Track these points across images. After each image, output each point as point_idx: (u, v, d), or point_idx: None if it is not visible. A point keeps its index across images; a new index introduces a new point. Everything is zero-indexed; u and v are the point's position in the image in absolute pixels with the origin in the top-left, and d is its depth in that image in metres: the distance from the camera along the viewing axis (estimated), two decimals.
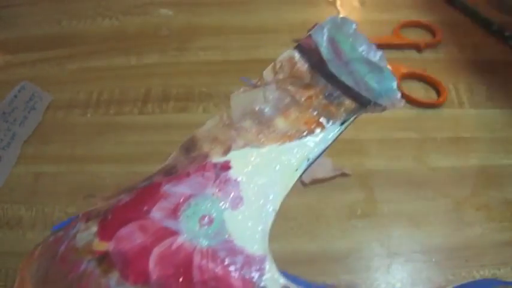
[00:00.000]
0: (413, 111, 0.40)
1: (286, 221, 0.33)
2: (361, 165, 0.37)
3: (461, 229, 0.33)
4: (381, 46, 0.44)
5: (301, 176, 0.19)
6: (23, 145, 0.40)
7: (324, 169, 0.36)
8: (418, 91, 0.41)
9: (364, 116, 0.40)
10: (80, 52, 0.46)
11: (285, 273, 0.18)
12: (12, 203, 0.37)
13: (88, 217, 0.18)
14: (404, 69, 0.42)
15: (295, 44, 0.21)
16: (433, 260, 0.32)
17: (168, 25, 0.48)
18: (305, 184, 0.35)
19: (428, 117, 0.40)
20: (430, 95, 0.41)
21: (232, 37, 0.46)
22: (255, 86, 0.21)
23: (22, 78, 0.44)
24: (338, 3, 0.49)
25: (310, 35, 0.21)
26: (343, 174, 0.36)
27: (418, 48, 0.44)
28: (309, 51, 0.21)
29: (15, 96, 0.42)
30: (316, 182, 0.35)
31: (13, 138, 0.39)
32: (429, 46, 0.44)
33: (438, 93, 0.41)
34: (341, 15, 0.48)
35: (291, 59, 0.21)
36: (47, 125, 0.41)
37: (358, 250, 0.33)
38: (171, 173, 0.19)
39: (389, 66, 0.21)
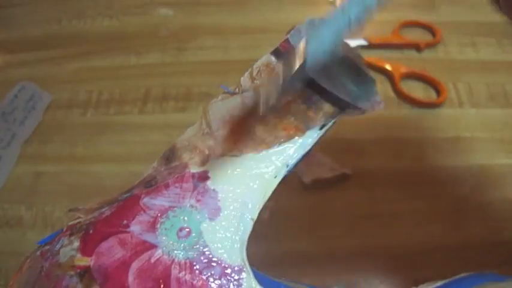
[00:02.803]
0: (413, 111, 0.40)
1: (286, 221, 0.33)
2: (361, 165, 0.37)
3: (461, 229, 0.33)
4: (380, 46, 0.45)
5: (279, 183, 0.19)
6: (23, 145, 0.40)
7: (324, 169, 0.36)
8: (418, 91, 0.41)
9: (364, 115, 0.40)
10: (80, 52, 0.46)
11: (264, 279, 0.18)
12: (12, 203, 0.37)
13: (71, 231, 0.18)
14: (404, 69, 0.42)
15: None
16: (433, 260, 0.32)
17: (168, 25, 0.48)
18: (305, 184, 0.35)
19: (428, 117, 0.40)
20: (430, 95, 0.41)
21: (232, 37, 0.46)
22: (233, 93, 0.20)
23: (22, 78, 0.44)
24: (338, 3, 0.49)
25: (287, 39, 0.21)
26: (343, 174, 0.36)
27: (418, 48, 0.44)
28: (285, 55, 0.20)
29: (15, 96, 0.42)
30: (316, 182, 0.35)
31: (13, 138, 0.39)
32: (429, 46, 0.44)
33: (438, 93, 0.41)
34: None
35: (268, 64, 0.20)
36: (47, 125, 0.41)
37: (358, 250, 0.33)
38: (151, 185, 0.18)
39: (368, 70, 0.21)
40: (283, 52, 0.20)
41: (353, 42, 0.44)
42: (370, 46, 0.44)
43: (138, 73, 0.44)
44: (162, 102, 0.42)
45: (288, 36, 0.21)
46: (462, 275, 0.27)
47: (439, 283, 0.27)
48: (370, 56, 0.43)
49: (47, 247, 0.18)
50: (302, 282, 0.22)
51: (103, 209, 0.18)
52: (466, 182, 0.36)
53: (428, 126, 0.39)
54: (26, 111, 0.41)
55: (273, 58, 0.20)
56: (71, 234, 0.18)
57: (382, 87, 0.41)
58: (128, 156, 0.38)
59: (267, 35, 0.46)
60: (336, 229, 0.34)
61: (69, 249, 0.17)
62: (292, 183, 0.35)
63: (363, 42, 0.44)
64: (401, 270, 0.32)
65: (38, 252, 0.19)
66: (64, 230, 0.18)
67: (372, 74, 0.43)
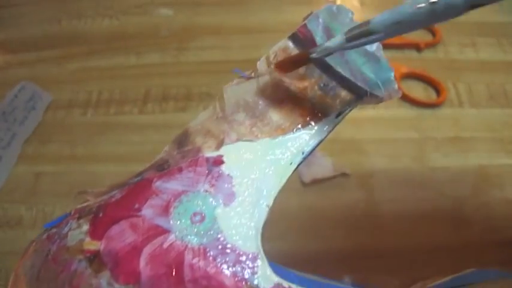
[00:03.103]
0: (413, 111, 0.40)
1: (286, 221, 0.33)
2: (361, 165, 0.37)
3: (461, 229, 0.33)
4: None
5: (296, 169, 0.19)
6: (23, 145, 0.40)
7: (324, 169, 0.36)
8: (418, 91, 0.41)
9: (364, 115, 0.40)
10: (80, 52, 0.46)
11: (277, 268, 0.18)
12: (12, 203, 0.37)
13: (80, 214, 0.18)
14: (404, 69, 0.42)
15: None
16: (433, 259, 0.32)
17: (168, 25, 0.48)
18: (305, 184, 0.35)
19: (428, 117, 0.40)
20: (429, 95, 0.41)
21: (232, 37, 0.46)
22: (249, 78, 0.20)
23: (22, 78, 0.44)
24: (338, 3, 0.49)
25: (305, 24, 0.20)
26: (343, 174, 0.36)
27: (418, 48, 0.44)
28: (303, 40, 0.20)
29: (15, 96, 0.42)
30: (316, 182, 0.35)
31: (13, 138, 0.39)
32: (429, 46, 0.44)
33: (438, 93, 0.41)
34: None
35: (285, 49, 0.20)
36: (47, 125, 0.41)
37: (358, 250, 0.33)
38: (163, 168, 0.18)
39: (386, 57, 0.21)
40: (301, 37, 0.20)
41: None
42: None
43: (138, 73, 0.44)
44: (162, 102, 0.42)
45: (306, 21, 0.20)
46: (465, 271, 0.27)
47: (445, 279, 0.26)
48: None
49: (54, 230, 0.18)
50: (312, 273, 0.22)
51: (113, 192, 0.18)
52: (466, 182, 0.36)
53: (428, 126, 0.39)
54: (26, 111, 0.41)
55: (290, 43, 0.20)
56: (79, 218, 0.17)
57: None
58: (128, 156, 0.38)
59: (267, 35, 0.46)
60: (336, 229, 0.34)
61: (78, 233, 0.17)
62: (292, 183, 0.35)
63: None
64: (402, 270, 0.32)
65: (45, 236, 0.18)
66: (72, 213, 0.18)
67: None
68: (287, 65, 0.19)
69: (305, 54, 0.18)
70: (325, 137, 0.19)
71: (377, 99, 0.19)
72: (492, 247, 0.32)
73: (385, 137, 0.38)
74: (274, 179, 0.18)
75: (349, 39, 0.16)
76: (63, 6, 0.51)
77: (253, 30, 0.47)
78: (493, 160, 0.37)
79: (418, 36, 0.45)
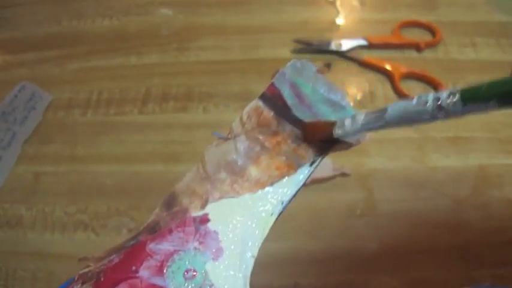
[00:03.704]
0: None
1: (286, 221, 0.33)
2: (361, 165, 0.37)
3: (461, 229, 0.33)
4: (380, 46, 0.45)
5: (276, 219, 0.21)
6: (23, 145, 0.40)
7: (324, 169, 0.36)
8: (418, 91, 0.41)
9: None
10: (80, 52, 0.46)
11: None
12: (12, 203, 0.37)
13: (83, 280, 0.19)
14: (404, 69, 0.42)
15: (260, 94, 0.23)
16: (433, 259, 0.32)
17: (168, 25, 0.48)
18: (305, 184, 0.35)
19: None
20: None
21: (232, 37, 0.46)
22: (227, 139, 0.22)
23: (22, 78, 0.44)
24: (338, 3, 0.49)
25: (272, 83, 0.23)
26: (343, 174, 0.36)
27: (417, 48, 0.44)
28: (273, 98, 0.22)
29: (15, 96, 0.42)
30: (316, 182, 0.35)
31: (13, 138, 0.39)
32: (429, 46, 0.44)
33: None
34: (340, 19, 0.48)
35: (257, 108, 0.22)
36: (47, 125, 0.41)
37: (357, 250, 0.33)
38: (155, 230, 0.20)
39: (351, 103, 0.23)
40: (270, 96, 0.22)
41: (353, 42, 0.44)
42: (370, 46, 0.44)
43: (138, 73, 0.44)
44: (162, 102, 0.42)
45: (273, 80, 0.23)
46: None
47: None
48: (370, 56, 0.43)
49: None
50: None
51: (111, 257, 0.19)
52: (466, 182, 0.36)
53: (428, 126, 0.39)
54: (26, 111, 0.41)
55: (261, 103, 0.22)
56: (83, 283, 0.19)
57: (382, 87, 0.41)
58: (128, 156, 0.39)
59: (267, 35, 0.46)
60: (336, 229, 0.34)
61: None
62: None
63: (362, 42, 0.44)
64: (401, 270, 0.32)
65: None
66: (76, 278, 0.19)
67: (372, 74, 0.43)
68: (316, 135, 0.21)
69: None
70: (303, 185, 0.21)
71: (346, 145, 0.22)
72: (492, 247, 0.33)
73: (385, 137, 0.38)
74: (258, 231, 0.20)
75: (364, 125, 0.19)
76: (64, 6, 0.51)
77: (253, 30, 0.47)
78: (493, 160, 0.37)
79: (418, 36, 0.46)
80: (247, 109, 0.22)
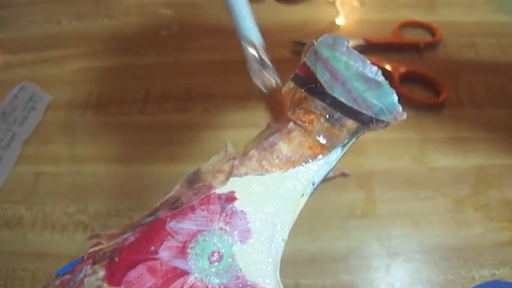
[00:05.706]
0: (413, 111, 0.40)
1: None
2: (360, 165, 0.37)
3: (461, 229, 0.33)
4: (380, 46, 0.45)
5: (307, 200, 0.19)
6: (23, 145, 0.40)
7: None
8: (418, 91, 0.41)
9: None
10: (80, 52, 0.46)
11: None
12: (12, 203, 0.37)
13: (94, 259, 0.18)
14: (404, 69, 0.42)
15: (292, 75, 0.22)
16: (432, 260, 0.32)
17: (168, 25, 0.48)
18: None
19: (428, 117, 0.40)
20: (430, 95, 0.41)
21: (233, 37, 0.46)
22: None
23: (22, 78, 0.44)
24: (338, 3, 0.49)
25: (304, 62, 0.21)
26: (343, 174, 0.36)
27: (417, 48, 0.44)
28: (305, 77, 0.21)
29: (15, 96, 0.42)
30: None
31: (13, 138, 0.39)
32: (429, 46, 0.44)
33: (438, 93, 0.41)
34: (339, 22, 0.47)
35: (289, 91, 0.21)
36: (47, 125, 0.41)
37: (357, 250, 0.33)
38: (176, 206, 0.18)
39: (386, 81, 0.21)
40: (302, 76, 0.21)
41: (353, 43, 0.44)
42: (370, 46, 0.44)
43: (138, 73, 0.44)
44: (162, 102, 0.42)
45: (305, 59, 0.21)
46: (479, 283, 0.27)
47: None
48: (369, 56, 0.43)
49: (68, 277, 0.18)
50: None
51: (126, 235, 0.18)
52: (466, 182, 0.36)
53: (428, 126, 0.39)
54: (26, 111, 0.41)
55: (292, 84, 0.21)
56: (94, 263, 0.17)
57: None
58: (128, 156, 0.39)
59: (267, 35, 0.46)
60: (336, 229, 0.34)
61: (94, 279, 0.17)
62: None
63: (362, 42, 0.44)
64: (402, 270, 0.32)
65: (58, 282, 0.18)
66: (85, 257, 0.18)
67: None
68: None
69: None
70: (335, 165, 0.20)
71: (383, 124, 0.20)
72: (491, 247, 0.33)
73: (385, 137, 0.38)
74: (288, 212, 0.19)
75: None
76: (63, 6, 0.51)
77: None
78: (493, 160, 0.37)
79: (418, 36, 0.45)
80: (285, 88, 0.21)
